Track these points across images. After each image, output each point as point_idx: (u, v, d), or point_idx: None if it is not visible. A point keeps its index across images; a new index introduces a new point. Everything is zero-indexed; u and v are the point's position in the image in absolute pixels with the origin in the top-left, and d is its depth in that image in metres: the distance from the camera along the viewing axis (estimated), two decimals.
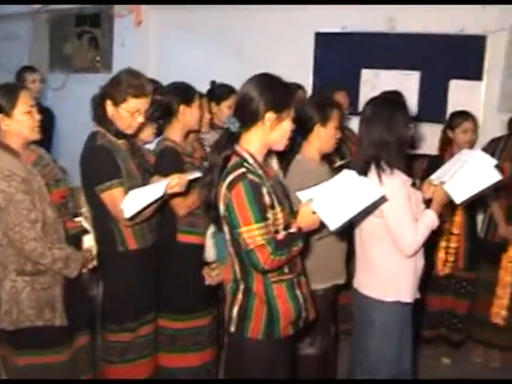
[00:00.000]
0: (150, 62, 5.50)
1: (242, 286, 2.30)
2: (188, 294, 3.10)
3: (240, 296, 2.31)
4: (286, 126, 2.27)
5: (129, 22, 5.64)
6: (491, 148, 3.93)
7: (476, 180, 2.52)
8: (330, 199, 2.22)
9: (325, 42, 4.84)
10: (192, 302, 3.13)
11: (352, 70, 4.72)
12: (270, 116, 2.21)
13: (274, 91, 2.24)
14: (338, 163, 3.22)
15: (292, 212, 2.34)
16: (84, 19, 5.98)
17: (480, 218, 4.14)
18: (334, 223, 2.17)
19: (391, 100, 2.67)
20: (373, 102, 2.68)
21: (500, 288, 3.89)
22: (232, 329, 2.32)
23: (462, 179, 2.54)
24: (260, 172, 2.22)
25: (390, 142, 2.47)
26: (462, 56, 4.38)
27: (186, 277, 3.11)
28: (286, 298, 2.29)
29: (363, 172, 2.49)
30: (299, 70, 4.78)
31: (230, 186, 2.15)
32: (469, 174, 2.54)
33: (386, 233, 2.55)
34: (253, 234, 2.12)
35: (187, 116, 3.12)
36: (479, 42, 4.26)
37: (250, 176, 2.16)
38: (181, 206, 2.99)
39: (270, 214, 2.18)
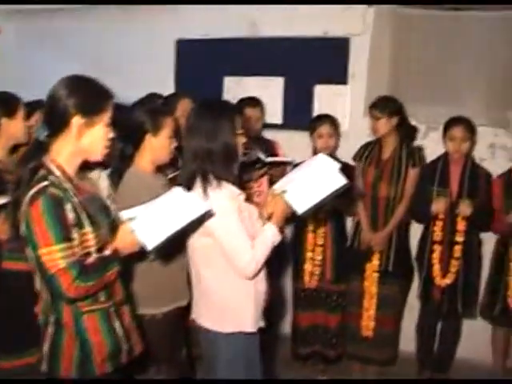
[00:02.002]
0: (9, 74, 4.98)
1: (52, 318, 2.02)
2: (15, 329, 2.76)
3: (50, 330, 2.02)
4: (99, 132, 2.01)
5: None
6: (360, 153, 3.82)
7: (319, 187, 2.29)
8: (152, 217, 2.02)
9: (186, 50, 4.60)
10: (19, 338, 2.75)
11: (214, 78, 4.49)
12: (77, 121, 1.95)
13: (82, 93, 1.98)
14: (171, 175, 2.93)
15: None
16: None
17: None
18: (151, 242, 1.97)
19: (215, 107, 2.38)
20: (195, 110, 2.41)
21: (367, 299, 3.72)
22: (44, 368, 2.04)
23: (304, 187, 2.31)
24: (67, 186, 1.95)
25: (214, 153, 2.23)
26: (326, 60, 4.22)
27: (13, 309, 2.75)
28: (100, 331, 2.03)
29: (188, 186, 2.26)
30: (160, 79, 4.56)
31: (30, 202, 1.88)
32: (311, 181, 2.31)
33: (218, 254, 2.28)
34: (54, 256, 1.85)
35: (11, 129, 2.79)
36: (343, 45, 4.10)
37: (52, 190, 1.89)
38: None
39: (75, 234, 1.91)
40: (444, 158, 3.66)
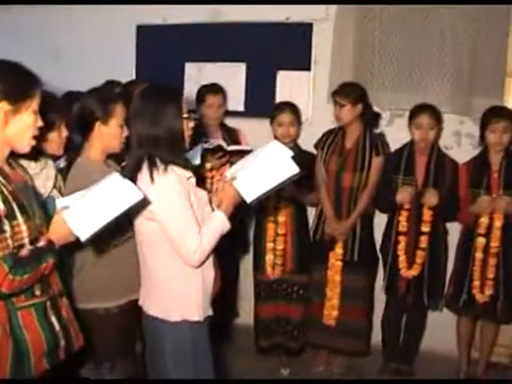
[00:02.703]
0: None
1: None
2: None
3: None
4: (27, 120, 1.89)
5: None
6: (322, 141, 3.70)
7: (270, 174, 2.21)
8: (85, 206, 1.92)
9: (147, 36, 4.43)
10: None
11: (176, 64, 4.35)
12: (3, 107, 1.84)
13: (8, 78, 1.87)
14: (124, 163, 2.74)
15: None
16: None
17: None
18: (85, 232, 1.89)
19: (159, 90, 2.29)
20: (139, 94, 2.31)
21: (330, 289, 3.65)
22: None
23: (254, 174, 2.23)
24: None
25: (158, 137, 2.16)
26: (288, 46, 4.11)
27: None
28: (36, 327, 1.92)
29: (135, 171, 2.18)
30: (121, 66, 4.42)
31: None
32: (262, 168, 2.23)
33: (164, 240, 2.20)
34: None
35: None
36: (305, 31, 3.99)
37: None
38: None
39: (6, 226, 1.80)
40: (410, 147, 3.58)
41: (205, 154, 3.48)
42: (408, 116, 3.55)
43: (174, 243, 2.18)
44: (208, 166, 3.47)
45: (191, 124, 2.30)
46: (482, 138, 3.48)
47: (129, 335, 2.73)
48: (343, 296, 3.65)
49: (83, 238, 1.89)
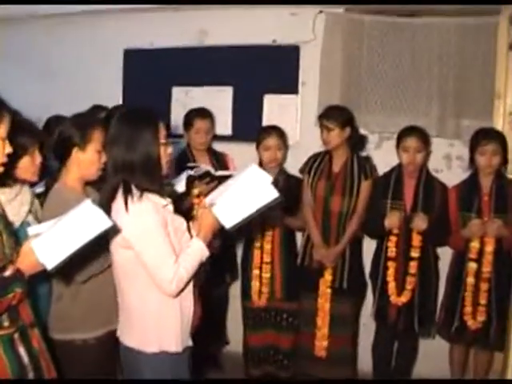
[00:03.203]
0: None
1: None
2: None
3: None
4: None
5: None
6: (309, 166, 3.64)
7: (249, 200, 2.16)
8: (54, 234, 1.87)
9: (134, 60, 4.40)
10: None
11: (163, 88, 4.30)
12: None
13: None
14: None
15: None
16: None
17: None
18: (51, 262, 1.83)
19: (135, 115, 2.23)
20: (116, 118, 2.25)
21: (320, 318, 3.57)
22: None
23: (233, 200, 2.18)
24: None
25: (134, 163, 2.12)
26: (275, 68, 4.07)
27: None
28: (2, 358, 1.86)
29: (110, 198, 2.14)
30: (109, 90, 4.39)
31: None
32: (241, 194, 2.18)
33: (140, 269, 2.14)
34: None
35: None
36: (292, 53, 3.95)
37: None
38: None
39: None
40: (398, 170, 3.51)
41: (192, 180, 3.42)
42: (396, 139, 3.48)
43: (149, 272, 2.13)
44: (195, 191, 3.42)
45: (169, 150, 2.25)
46: (472, 160, 3.41)
47: (108, 368, 2.64)
48: (331, 324, 3.57)
49: (49, 266, 1.83)
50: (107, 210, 2.12)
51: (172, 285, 2.11)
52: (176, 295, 2.18)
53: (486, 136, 3.34)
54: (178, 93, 4.34)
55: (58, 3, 4.12)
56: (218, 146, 4.04)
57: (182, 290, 2.19)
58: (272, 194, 2.16)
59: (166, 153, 2.23)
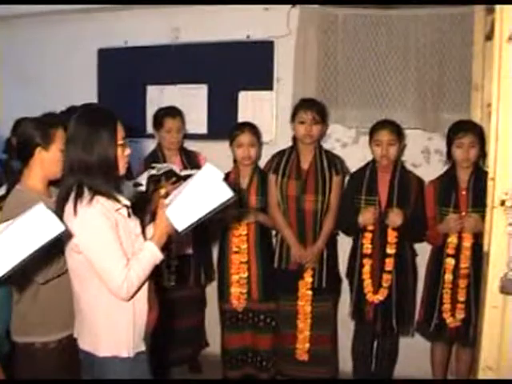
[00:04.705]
0: None
1: None
2: None
3: None
4: None
5: None
6: (275, 163, 3.54)
7: (202, 200, 2.10)
8: (4, 239, 1.82)
9: (108, 59, 4.33)
10: None
11: (137, 87, 4.24)
12: None
13: None
14: None
15: None
16: None
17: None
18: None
19: (93, 115, 2.19)
20: (74, 118, 2.19)
21: (301, 320, 3.50)
22: None
23: (186, 201, 2.12)
24: None
25: (90, 164, 2.08)
26: (250, 65, 3.99)
27: None
28: None
29: (64, 201, 2.10)
30: (84, 90, 4.32)
31: None
32: (194, 194, 2.12)
33: (92, 273, 2.11)
34: None
35: None
36: (267, 49, 3.85)
37: None
38: None
39: None
40: (372, 165, 3.43)
41: (158, 179, 3.36)
42: (368, 133, 3.40)
43: (100, 276, 2.09)
44: (162, 191, 3.34)
45: (127, 151, 2.21)
46: (449, 154, 3.32)
47: (70, 371, 2.55)
48: (312, 325, 3.51)
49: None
50: (61, 211, 2.10)
51: (122, 289, 2.07)
52: (128, 299, 2.13)
53: (462, 128, 3.26)
54: (152, 91, 4.26)
55: (32, 3, 4.06)
56: (194, 145, 3.97)
57: (135, 294, 2.15)
58: (226, 193, 2.10)
59: (124, 154, 2.19)
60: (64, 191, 2.14)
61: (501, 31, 2.07)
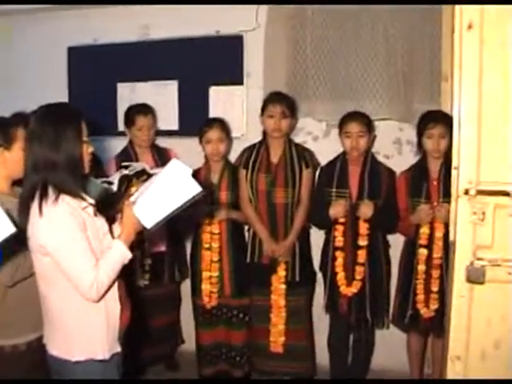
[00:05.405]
0: None
1: None
2: None
3: None
4: None
5: None
6: (245, 157, 3.53)
7: (170, 197, 2.08)
8: None
9: (77, 57, 4.30)
10: None
11: (108, 85, 4.20)
12: None
13: None
14: None
15: None
16: None
17: None
18: None
19: (58, 112, 2.13)
20: (36, 116, 2.14)
21: (274, 314, 3.49)
22: None
23: (153, 198, 2.10)
24: None
25: (56, 162, 2.03)
26: (220, 60, 3.97)
27: None
28: None
29: (29, 200, 2.06)
30: (54, 89, 4.23)
31: None
32: (161, 191, 2.10)
33: (60, 275, 2.06)
34: None
35: None
36: (236, 43, 3.83)
37: None
38: None
39: None
40: (342, 158, 3.42)
41: (130, 179, 3.33)
42: (338, 125, 3.39)
43: (69, 278, 2.03)
44: (133, 190, 3.30)
45: (90, 149, 2.17)
46: (420, 144, 3.32)
47: (42, 375, 2.54)
48: (286, 319, 3.50)
49: None
50: (27, 211, 2.06)
51: (92, 290, 2.02)
52: (99, 300, 2.09)
53: (432, 119, 3.25)
54: (123, 89, 4.23)
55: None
56: (165, 142, 3.94)
57: (106, 294, 2.10)
58: (194, 188, 2.08)
59: (88, 151, 2.16)
60: (28, 190, 2.09)
61: (461, 20, 2.06)
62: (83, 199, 2.10)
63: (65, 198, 2.04)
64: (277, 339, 3.51)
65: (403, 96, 3.71)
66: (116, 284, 2.17)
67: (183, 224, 3.58)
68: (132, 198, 2.23)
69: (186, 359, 3.97)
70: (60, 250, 2.02)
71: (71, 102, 4.20)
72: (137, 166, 3.31)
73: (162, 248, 3.64)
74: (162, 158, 3.72)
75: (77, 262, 2.01)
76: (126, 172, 3.18)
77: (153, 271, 3.64)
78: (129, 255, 2.13)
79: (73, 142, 2.07)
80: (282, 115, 3.37)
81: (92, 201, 2.15)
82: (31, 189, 2.08)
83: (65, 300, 2.10)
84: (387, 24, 3.68)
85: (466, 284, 2.17)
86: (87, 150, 2.15)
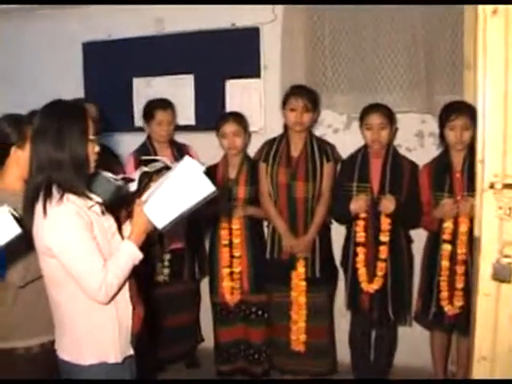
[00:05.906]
0: None
1: None
2: None
3: None
4: None
5: None
6: (265, 151, 3.45)
7: (183, 196, 1.99)
8: None
9: (93, 52, 4.24)
10: None
11: (123, 80, 4.16)
12: None
13: None
14: None
15: None
16: None
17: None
18: None
19: (62, 110, 2.05)
20: (41, 112, 2.06)
21: (295, 311, 3.41)
22: None
23: (165, 197, 2.01)
24: None
25: (61, 161, 1.95)
26: (236, 53, 3.90)
27: None
28: None
29: (34, 200, 1.98)
30: (69, 84, 4.21)
31: None
32: (173, 189, 2.00)
33: (68, 277, 1.98)
34: None
35: None
36: (253, 36, 3.77)
37: None
38: None
39: None
40: (363, 151, 3.33)
41: (150, 176, 3.26)
42: (359, 118, 3.30)
43: (76, 280, 1.96)
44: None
45: (97, 148, 2.08)
46: (442, 136, 3.21)
47: (50, 375, 2.50)
48: (307, 316, 3.43)
49: None
50: (31, 211, 1.99)
51: (101, 292, 1.95)
52: (109, 302, 2.02)
53: (455, 110, 3.14)
54: (138, 84, 4.18)
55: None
56: (182, 137, 3.88)
57: (116, 296, 2.03)
58: (207, 188, 1.98)
59: (94, 150, 2.07)
60: (33, 189, 2.02)
61: (485, 5, 1.96)
62: (89, 198, 2.03)
63: (70, 197, 1.97)
64: (297, 337, 3.44)
65: (425, 86, 3.61)
66: (127, 285, 2.10)
67: (204, 221, 3.52)
68: (143, 197, 2.14)
69: (205, 357, 3.92)
70: (66, 251, 1.95)
71: (87, 98, 4.15)
72: (158, 164, 3.24)
73: (181, 244, 3.58)
74: (180, 153, 3.64)
75: (84, 262, 1.94)
76: (146, 169, 3.12)
77: (173, 268, 3.59)
78: (139, 256, 2.04)
79: (78, 141, 2.00)
80: (304, 109, 3.29)
81: (99, 199, 2.09)
82: (36, 188, 2.01)
83: (74, 303, 2.04)
84: (407, 12, 3.55)
85: (491, 282, 2.08)
86: (93, 149, 2.07)
